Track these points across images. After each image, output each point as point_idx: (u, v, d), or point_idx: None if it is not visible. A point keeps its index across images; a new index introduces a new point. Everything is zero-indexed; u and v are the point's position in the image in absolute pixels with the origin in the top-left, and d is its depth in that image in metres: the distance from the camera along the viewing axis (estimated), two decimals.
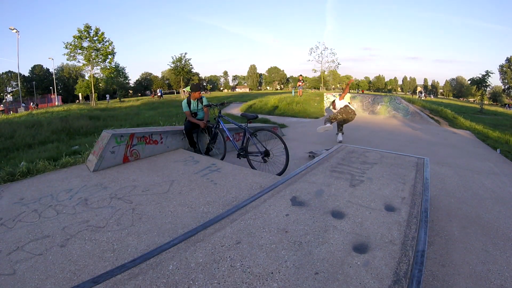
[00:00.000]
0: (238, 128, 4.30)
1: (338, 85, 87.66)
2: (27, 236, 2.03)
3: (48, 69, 62.62)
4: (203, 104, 4.58)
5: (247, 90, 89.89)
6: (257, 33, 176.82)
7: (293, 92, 20.39)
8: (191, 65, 43.73)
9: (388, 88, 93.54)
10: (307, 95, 18.46)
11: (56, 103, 38.55)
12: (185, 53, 42.36)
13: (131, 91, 71.18)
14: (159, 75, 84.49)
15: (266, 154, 3.71)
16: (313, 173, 2.83)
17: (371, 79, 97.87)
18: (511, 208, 3.04)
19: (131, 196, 2.70)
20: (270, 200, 2.23)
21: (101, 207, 2.48)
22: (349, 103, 6.72)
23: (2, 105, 32.52)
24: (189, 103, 4.57)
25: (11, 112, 25.23)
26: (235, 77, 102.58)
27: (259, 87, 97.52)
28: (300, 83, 19.57)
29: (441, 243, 2.25)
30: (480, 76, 27.05)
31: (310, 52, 45.74)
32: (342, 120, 6.65)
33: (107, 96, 43.01)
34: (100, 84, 44.55)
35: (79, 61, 28.98)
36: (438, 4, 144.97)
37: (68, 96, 56.93)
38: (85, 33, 28.04)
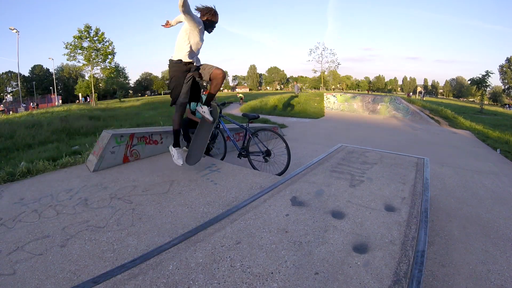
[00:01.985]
0: (239, 128, 4.30)
1: (338, 85, 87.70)
2: (27, 236, 2.03)
3: (48, 69, 62.66)
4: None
5: (247, 90, 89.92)
6: (257, 33, 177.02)
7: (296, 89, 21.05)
8: None
9: (388, 88, 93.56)
10: (307, 95, 18.45)
11: (56, 103, 38.53)
12: None
13: (131, 91, 71.19)
14: (159, 75, 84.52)
15: (267, 153, 3.71)
16: (313, 173, 2.83)
17: (371, 79, 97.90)
18: (511, 208, 3.04)
19: (131, 196, 2.70)
20: (270, 200, 2.23)
21: (101, 207, 2.48)
22: None
23: (2, 105, 32.51)
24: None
25: (11, 112, 25.21)
26: (235, 77, 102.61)
27: (259, 87, 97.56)
28: (296, 83, 20.06)
29: (441, 243, 2.25)
30: (480, 76, 27.06)
31: (310, 52, 45.94)
32: None
33: (86, 97, 41.27)
34: (100, 84, 44.56)
35: (79, 61, 29.07)
36: (439, 4, 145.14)
37: (68, 96, 56.93)
38: (85, 33, 28.09)
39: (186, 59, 2.68)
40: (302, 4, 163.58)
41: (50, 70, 60.13)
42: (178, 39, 2.73)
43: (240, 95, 27.42)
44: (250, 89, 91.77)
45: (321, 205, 2.12)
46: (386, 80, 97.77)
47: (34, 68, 62.67)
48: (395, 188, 2.46)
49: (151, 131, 4.17)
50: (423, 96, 41.82)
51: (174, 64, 2.70)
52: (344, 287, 1.31)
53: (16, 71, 41.11)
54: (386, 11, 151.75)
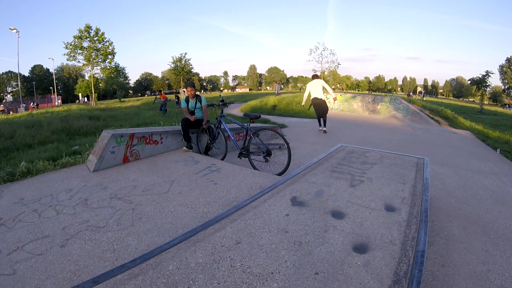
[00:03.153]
0: (240, 127, 4.29)
1: (338, 85, 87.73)
2: (27, 236, 2.03)
3: (48, 69, 62.65)
4: (202, 103, 4.60)
5: (247, 90, 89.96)
6: (257, 33, 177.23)
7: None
8: (191, 65, 43.98)
9: (388, 88, 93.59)
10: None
11: (56, 103, 38.51)
12: (185, 53, 42.62)
13: (131, 91, 71.23)
14: (159, 75, 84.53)
15: (268, 153, 3.71)
16: (313, 173, 2.83)
17: (371, 79, 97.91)
18: (511, 208, 3.04)
19: (131, 196, 2.70)
20: (270, 200, 2.23)
21: (101, 207, 2.48)
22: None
23: (2, 105, 32.47)
24: (187, 101, 4.67)
25: (11, 112, 25.18)
26: (235, 77, 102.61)
27: (259, 87, 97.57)
28: (277, 83, 20.19)
29: (441, 243, 2.25)
30: (480, 76, 27.12)
31: (310, 52, 45.83)
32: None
33: (86, 96, 40.42)
34: (100, 84, 44.58)
35: (79, 61, 29.06)
36: (439, 4, 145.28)
37: (68, 96, 56.95)
38: (85, 33, 28.09)
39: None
40: (302, 4, 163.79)
41: (50, 70, 60.18)
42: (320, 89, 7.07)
43: (221, 94, 23.36)
44: (250, 89, 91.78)
45: (321, 205, 2.12)
46: (386, 80, 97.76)
47: (34, 68, 62.66)
48: (395, 188, 2.46)
49: (151, 131, 4.17)
50: (423, 96, 41.91)
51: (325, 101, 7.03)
52: (344, 287, 1.31)
53: (16, 71, 41.17)
54: (386, 11, 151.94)
